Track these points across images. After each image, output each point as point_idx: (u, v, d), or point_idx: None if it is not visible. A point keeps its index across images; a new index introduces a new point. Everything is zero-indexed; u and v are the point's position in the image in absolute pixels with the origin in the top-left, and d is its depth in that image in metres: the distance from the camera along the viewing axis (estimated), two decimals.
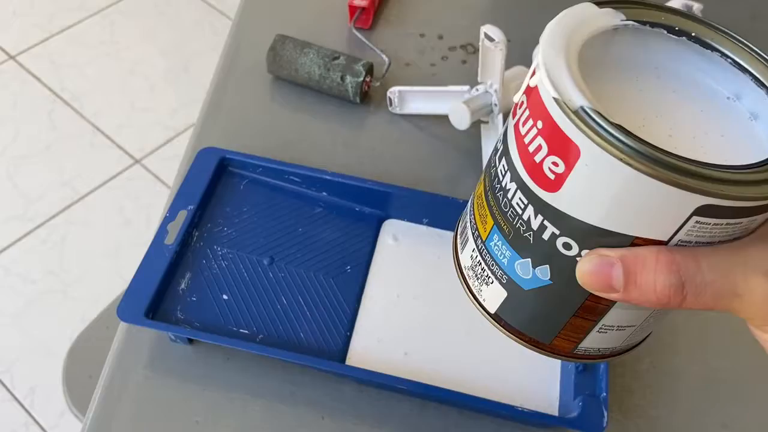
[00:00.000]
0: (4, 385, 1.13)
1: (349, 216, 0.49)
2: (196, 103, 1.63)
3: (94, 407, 0.42)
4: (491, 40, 0.47)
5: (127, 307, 0.41)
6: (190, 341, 0.43)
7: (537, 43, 0.56)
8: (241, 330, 0.43)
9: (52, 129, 1.48)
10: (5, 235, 1.31)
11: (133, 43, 1.64)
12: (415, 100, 0.56)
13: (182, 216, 0.46)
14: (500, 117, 0.52)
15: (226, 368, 0.43)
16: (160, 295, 0.43)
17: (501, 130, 0.51)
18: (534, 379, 0.42)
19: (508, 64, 0.55)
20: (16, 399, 1.12)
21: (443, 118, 0.54)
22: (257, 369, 0.43)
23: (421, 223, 0.49)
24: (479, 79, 0.52)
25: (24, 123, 1.47)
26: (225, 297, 0.44)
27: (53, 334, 1.20)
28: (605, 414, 0.39)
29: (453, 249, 0.31)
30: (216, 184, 0.49)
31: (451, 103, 0.52)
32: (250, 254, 0.46)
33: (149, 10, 1.72)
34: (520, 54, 0.60)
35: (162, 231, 0.45)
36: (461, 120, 0.51)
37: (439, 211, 0.49)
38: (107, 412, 0.42)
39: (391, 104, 0.57)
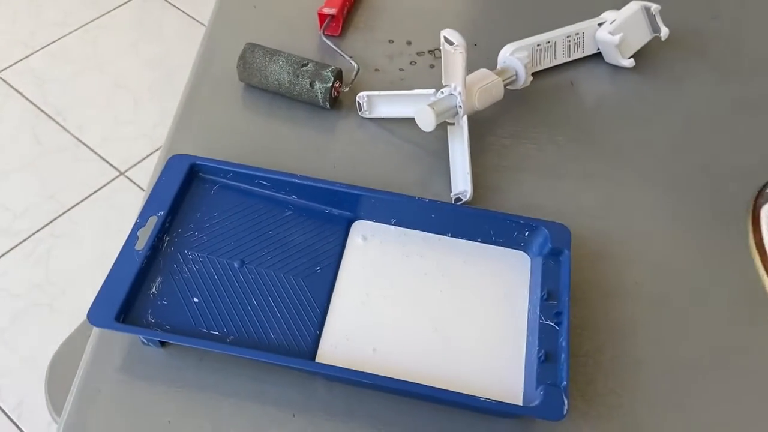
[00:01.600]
0: None
1: (318, 218, 0.50)
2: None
3: (68, 410, 0.42)
4: (451, 43, 0.48)
5: (97, 311, 0.42)
6: (162, 344, 0.44)
7: (502, 46, 0.58)
8: (212, 332, 0.44)
9: (36, 143, 1.48)
10: None
11: (116, 56, 1.65)
12: (383, 104, 0.57)
13: (152, 222, 0.46)
14: (465, 119, 0.53)
15: (199, 369, 0.44)
16: (130, 300, 0.44)
17: (466, 131, 0.52)
18: (499, 372, 0.44)
19: (475, 66, 0.57)
20: (4, 412, 1.12)
21: (412, 121, 0.56)
22: (229, 369, 0.44)
23: (389, 223, 0.50)
24: (443, 82, 0.53)
25: (8, 138, 1.48)
26: (196, 300, 0.45)
27: (40, 347, 1.20)
28: (566, 402, 0.40)
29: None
30: (187, 189, 0.50)
31: (418, 107, 0.53)
32: (220, 257, 0.47)
33: (132, 23, 1.73)
34: (487, 57, 0.61)
35: (132, 237, 0.46)
36: (427, 122, 0.52)
37: (406, 211, 0.50)
38: (81, 414, 0.42)
39: (360, 109, 0.58)
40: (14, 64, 1.61)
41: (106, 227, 1.36)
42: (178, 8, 1.77)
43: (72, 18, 1.72)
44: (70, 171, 1.44)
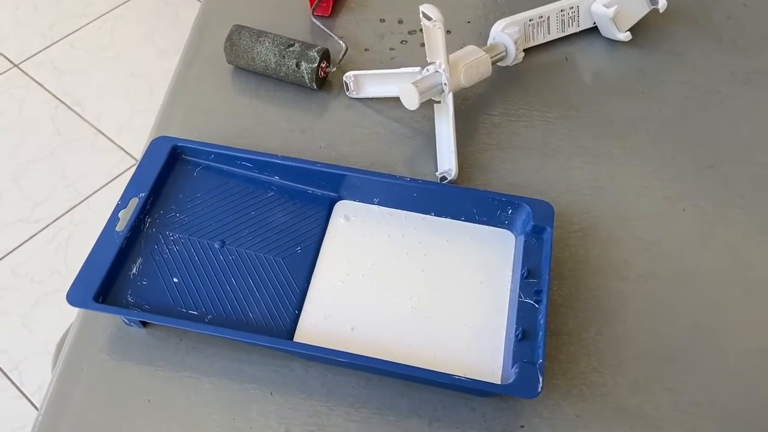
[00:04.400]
0: (13, 383, 1.17)
1: (301, 198, 0.50)
2: None
3: (52, 389, 0.43)
4: (429, 18, 0.48)
5: (76, 292, 0.43)
6: (144, 324, 0.45)
7: (493, 23, 0.57)
8: (191, 311, 0.44)
9: (56, 134, 1.51)
10: (12, 238, 1.34)
11: (133, 46, 1.67)
12: (370, 83, 0.57)
13: (134, 203, 0.47)
14: (450, 96, 0.52)
15: (179, 349, 0.44)
16: (110, 280, 0.44)
17: (451, 109, 0.52)
18: (479, 351, 0.43)
19: (464, 43, 0.56)
20: (25, 396, 1.15)
21: (400, 100, 0.55)
22: (208, 349, 0.44)
23: (372, 203, 0.50)
24: (428, 59, 0.52)
25: (29, 129, 1.51)
26: (175, 280, 0.45)
27: (59, 332, 1.23)
28: (540, 380, 0.39)
29: None
30: (169, 171, 0.50)
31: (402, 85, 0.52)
32: (201, 238, 0.47)
33: (148, 13, 1.75)
34: (480, 34, 0.60)
35: (113, 218, 0.46)
36: (411, 100, 0.52)
37: (389, 191, 0.49)
38: (64, 393, 0.43)
39: (347, 89, 0.58)
40: (34, 55, 1.64)
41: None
42: None
43: (91, 8, 1.74)
44: (89, 160, 1.47)
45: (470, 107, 0.57)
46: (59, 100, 1.56)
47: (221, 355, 0.44)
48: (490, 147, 0.55)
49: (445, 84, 0.52)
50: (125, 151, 1.49)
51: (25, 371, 1.18)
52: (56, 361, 0.78)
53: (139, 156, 1.48)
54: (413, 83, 0.51)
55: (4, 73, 1.60)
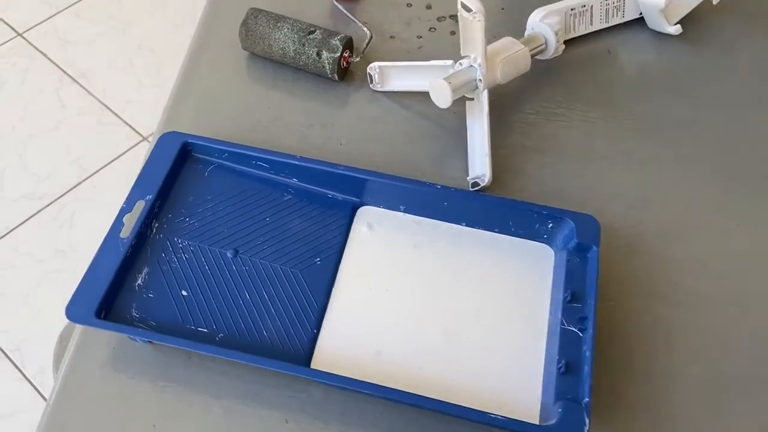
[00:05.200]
0: (14, 364, 1.14)
1: (320, 203, 0.46)
2: None
3: (49, 408, 0.40)
4: (468, 10, 0.43)
5: (76, 306, 0.39)
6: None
7: (530, 10, 0.51)
8: (200, 329, 0.40)
9: (61, 107, 1.46)
10: (15, 214, 1.31)
11: (140, 17, 1.61)
12: (396, 76, 0.52)
13: (139, 207, 0.43)
14: (485, 94, 0.48)
15: (187, 367, 0.41)
16: (113, 292, 0.40)
17: (486, 108, 0.47)
18: (515, 382, 0.39)
19: (502, 34, 0.51)
20: (26, 378, 1.13)
21: (428, 95, 0.51)
22: (219, 368, 0.41)
23: (398, 210, 0.46)
24: (462, 53, 0.48)
25: (32, 101, 1.46)
26: (184, 293, 0.41)
27: (62, 314, 1.20)
28: (587, 422, 0.35)
29: None
30: (178, 171, 0.46)
31: (433, 79, 0.48)
32: (212, 246, 0.43)
33: None
34: (515, 22, 0.55)
35: (117, 223, 0.42)
36: (442, 98, 0.47)
37: (417, 198, 0.45)
38: (62, 412, 0.40)
39: (371, 81, 0.53)
40: (38, 24, 1.59)
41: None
42: None
43: None
44: (94, 135, 1.43)
45: (503, 104, 0.53)
46: (63, 71, 1.51)
47: (234, 375, 0.41)
48: (526, 149, 0.51)
49: (480, 80, 0.48)
50: (131, 127, 1.45)
51: (27, 352, 1.15)
52: (57, 359, 0.75)
53: (145, 133, 1.44)
54: (445, 79, 0.47)
55: (6, 42, 1.55)
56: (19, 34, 1.56)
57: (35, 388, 1.12)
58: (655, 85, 0.54)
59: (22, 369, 1.14)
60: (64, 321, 1.18)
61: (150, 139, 1.42)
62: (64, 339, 0.72)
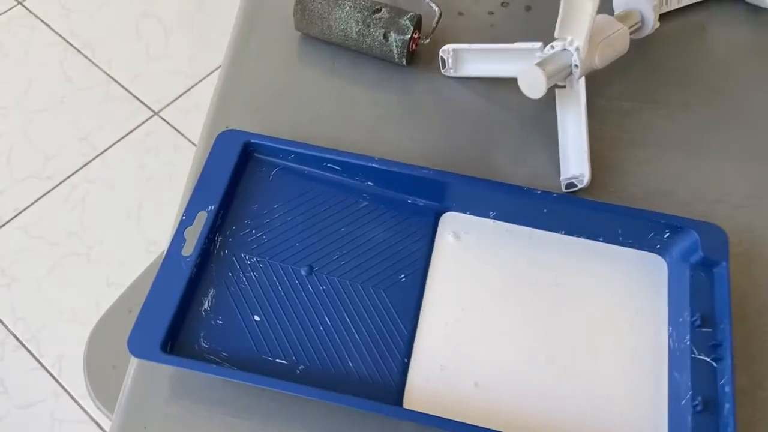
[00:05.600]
0: (30, 353, 1.10)
1: (400, 210, 0.40)
2: (214, 48, 1.52)
3: None
4: None
5: (139, 339, 0.34)
6: None
7: None
8: (278, 360, 0.35)
9: (66, 80, 1.39)
10: (23, 195, 1.25)
11: None
12: (473, 60, 0.47)
13: (201, 218, 0.38)
14: (582, 81, 0.42)
15: (261, 401, 0.36)
16: (179, 320, 0.35)
17: (584, 98, 0.42)
18: (634, 420, 0.35)
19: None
20: (44, 367, 1.09)
21: (508, 82, 0.45)
22: (301, 403, 0.36)
23: (487, 216, 0.41)
24: (556, 34, 0.42)
25: (36, 74, 1.39)
26: (257, 318, 0.36)
27: (78, 299, 1.15)
28: None
29: None
30: (240, 175, 0.40)
31: (519, 65, 0.42)
32: (284, 263, 0.38)
33: None
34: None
35: (178, 239, 0.37)
36: (535, 86, 0.42)
37: (511, 203, 0.40)
38: None
39: (444, 66, 0.47)
40: None
41: (140, 172, 1.29)
42: None
43: None
44: (102, 110, 1.36)
45: (591, 90, 0.47)
46: (67, 42, 1.44)
47: (315, 411, 0.36)
48: (622, 143, 0.45)
49: (577, 66, 0.42)
50: (140, 101, 1.38)
51: (44, 341, 1.11)
52: (90, 365, 0.71)
53: (156, 107, 1.37)
54: (538, 65, 0.41)
55: (7, 11, 1.47)
56: (19, 2, 1.48)
57: (54, 378, 1.08)
58: (759, 66, 0.49)
59: (39, 358, 1.10)
60: (80, 307, 1.13)
61: (162, 114, 1.35)
62: (94, 342, 0.68)
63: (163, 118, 1.35)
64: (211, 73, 1.41)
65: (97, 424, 1.05)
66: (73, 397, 1.06)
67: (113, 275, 1.18)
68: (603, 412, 0.35)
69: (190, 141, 1.31)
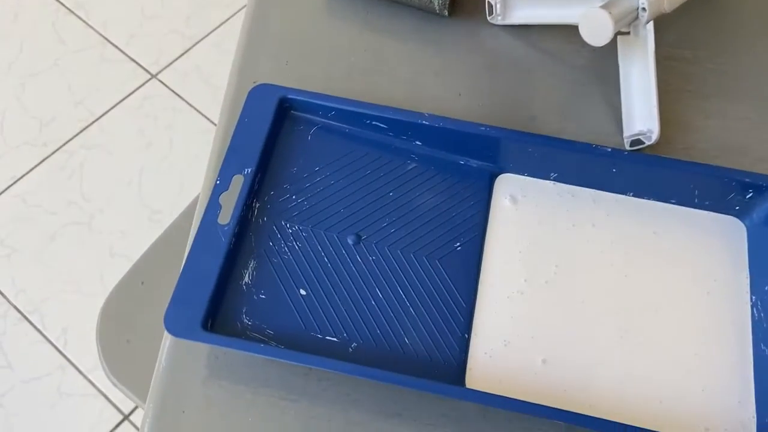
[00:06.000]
0: (33, 326, 1.07)
1: (451, 172, 0.37)
2: (214, 6, 1.45)
3: None
4: None
5: (177, 317, 0.30)
6: None
7: None
8: (328, 337, 0.32)
9: (59, 42, 1.33)
10: (20, 163, 1.21)
11: None
12: (524, 5, 0.42)
13: (238, 182, 0.34)
14: (650, 26, 0.38)
15: (309, 381, 0.33)
16: (219, 295, 0.32)
17: (652, 45, 0.38)
18: (718, 397, 0.32)
19: None
20: (48, 340, 1.06)
21: (561, 30, 0.41)
22: (352, 383, 0.33)
23: (547, 178, 0.37)
24: None
25: (28, 36, 1.33)
26: (303, 292, 0.33)
27: (81, 270, 1.12)
28: None
29: None
30: (276, 135, 0.36)
31: (580, 9, 0.38)
32: (328, 231, 0.35)
33: None
34: None
35: (213, 205, 0.33)
36: (599, 32, 0.38)
37: (572, 162, 0.36)
38: None
39: (491, 12, 0.43)
40: None
41: (140, 137, 1.24)
42: None
43: None
44: (98, 73, 1.30)
45: (656, 38, 0.43)
46: (59, 2, 1.37)
47: (368, 392, 0.33)
48: (687, 95, 0.41)
49: (644, 9, 0.38)
50: (137, 63, 1.32)
51: (47, 314, 1.08)
52: (102, 339, 0.67)
53: (153, 70, 1.32)
54: (603, 7, 0.37)
55: None
56: None
57: (60, 351, 1.05)
58: None
59: (42, 331, 1.06)
60: (84, 279, 1.10)
61: (160, 77, 1.30)
62: (106, 315, 0.64)
63: (161, 81, 1.30)
64: (210, 32, 1.35)
65: (106, 396, 1.02)
66: (80, 371, 1.03)
67: (117, 245, 1.14)
68: (681, 390, 0.32)
69: (190, 105, 1.26)
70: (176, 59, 1.33)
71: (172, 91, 1.30)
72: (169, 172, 1.25)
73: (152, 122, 1.26)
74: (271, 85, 0.37)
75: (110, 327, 0.65)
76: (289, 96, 0.37)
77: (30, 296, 1.09)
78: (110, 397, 1.02)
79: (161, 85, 1.30)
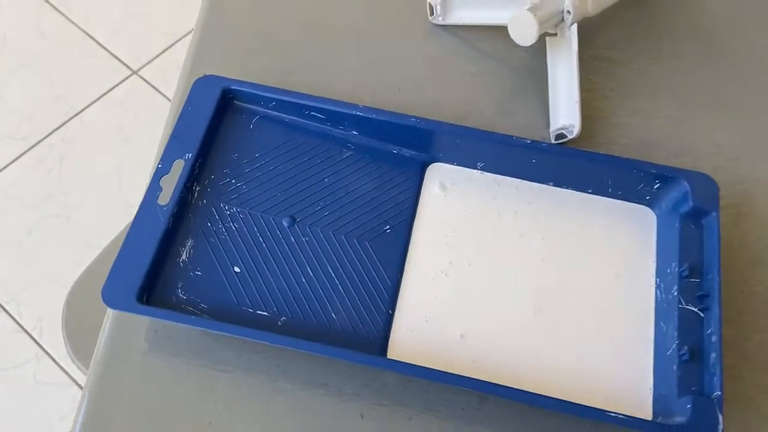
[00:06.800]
0: (10, 316, 1.08)
1: (385, 160, 0.39)
2: (195, 3, 1.48)
3: (84, 408, 0.34)
4: None
5: (114, 289, 0.33)
6: None
7: None
8: (259, 312, 0.35)
9: (41, 37, 1.35)
10: None
11: None
12: (462, 6, 0.45)
13: (178, 167, 0.36)
14: (574, 28, 0.41)
15: (241, 354, 0.35)
16: (155, 271, 0.34)
17: (575, 46, 0.40)
18: (619, 369, 0.34)
19: None
20: (24, 330, 1.08)
21: (498, 30, 0.44)
22: (279, 355, 0.35)
23: (475, 167, 0.40)
24: None
25: (9, 30, 1.35)
26: (237, 269, 0.35)
27: (58, 262, 1.14)
28: (720, 420, 0.31)
29: None
30: (219, 123, 0.39)
31: (510, 11, 0.41)
32: (265, 213, 0.37)
33: None
34: None
35: (153, 187, 0.35)
36: (525, 33, 0.40)
37: (499, 154, 0.39)
38: (99, 413, 0.34)
39: (432, 13, 0.46)
40: None
41: (120, 132, 1.26)
42: None
43: None
44: (79, 69, 1.32)
45: (583, 40, 0.46)
46: None
47: (296, 363, 0.35)
48: (612, 94, 0.44)
49: (569, 12, 0.41)
50: (119, 60, 1.34)
51: (24, 303, 1.09)
52: (69, 326, 0.69)
53: (134, 66, 1.34)
54: (530, 10, 0.40)
55: None
56: None
57: (35, 341, 1.07)
58: (755, 15, 0.47)
59: (19, 321, 1.08)
60: (61, 270, 1.12)
61: (141, 73, 1.32)
62: (72, 304, 0.66)
63: (142, 77, 1.32)
64: (192, 30, 1.37)
65: (79, 386, 1.04)
66: (54, 360, 1.05)
67: (95, 238, 1.16)
68: (589, 363, 0.35)
69: (170, 101, 1.28)
70: (157, 56, 1.35)
71: (153, 87, 1.32)
72: (148, 167, 1.28)
73: (132, 118, 1.28)
74: (216, 76, 0.39)
75: (76, 314, 0.67)
76: (232, 87, 0.39)
77: (7, 287, 1.10)
78: (83, 385, 1.04)
79: (142, 81, 1.32)
